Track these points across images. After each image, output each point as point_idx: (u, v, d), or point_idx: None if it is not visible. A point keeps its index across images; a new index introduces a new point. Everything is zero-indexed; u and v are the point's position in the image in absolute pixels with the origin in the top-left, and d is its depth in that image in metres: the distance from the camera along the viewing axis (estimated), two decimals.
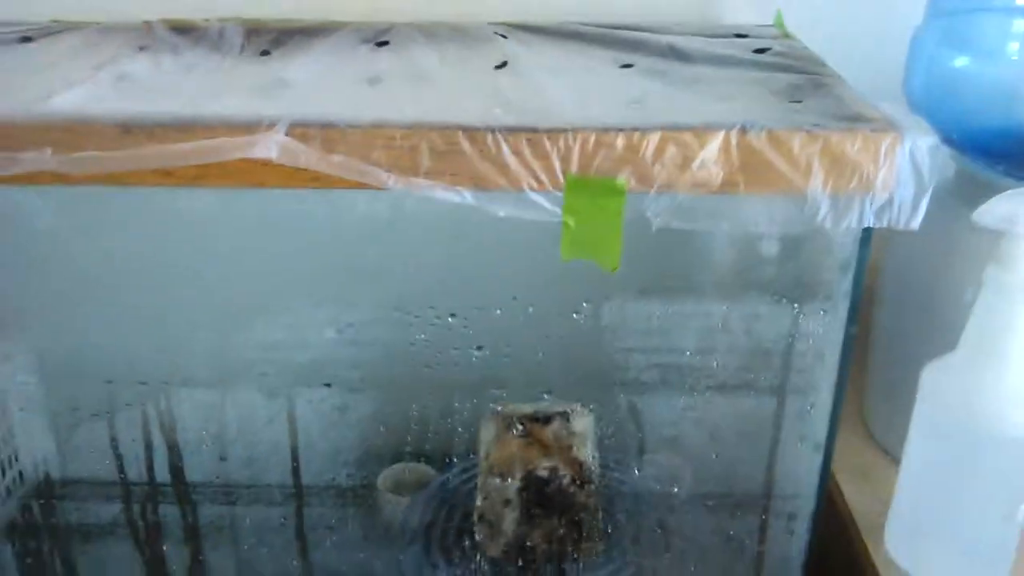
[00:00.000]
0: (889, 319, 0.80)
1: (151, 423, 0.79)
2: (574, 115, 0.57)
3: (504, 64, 0.70)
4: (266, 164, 0.56)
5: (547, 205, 0.56)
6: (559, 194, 0.56)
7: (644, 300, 0.72)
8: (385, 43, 0.76)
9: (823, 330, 0.64)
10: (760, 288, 0.70)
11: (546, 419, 0.82)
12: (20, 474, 0.87)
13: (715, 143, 0.54)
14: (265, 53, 0.72)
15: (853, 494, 0.76)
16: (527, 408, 0.83)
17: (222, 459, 0.81)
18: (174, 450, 0.80)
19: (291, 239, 0.71)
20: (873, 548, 0.71)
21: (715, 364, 0.73)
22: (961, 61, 0.70)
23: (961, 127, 0.72)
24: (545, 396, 0.77)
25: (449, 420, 0.78)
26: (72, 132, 0.57)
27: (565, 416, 0.83)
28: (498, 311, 0.73)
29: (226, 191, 0.59)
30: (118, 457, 0.81)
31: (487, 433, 0.81)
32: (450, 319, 0.74)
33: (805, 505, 0.67)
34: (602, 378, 0.77)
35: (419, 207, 0.60)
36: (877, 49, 0.74)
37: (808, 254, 0.65)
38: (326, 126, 0.56)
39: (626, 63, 0.70)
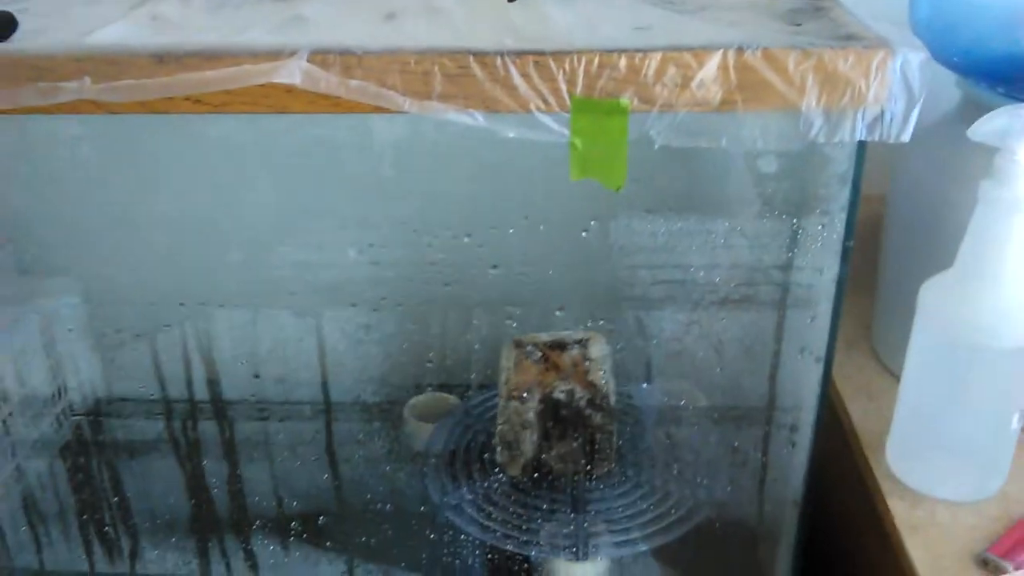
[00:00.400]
0: (896, 246, 0.82)
1: (190, 343, 0.83)
2: (581, 41, 0.60)
3: None
4: (289, 90, 0.59)
5: (554, 126, 0.59)
6: (566, 115, 0.59)
7: (650, 218, 0.75)
8: None
9: (822, 244, 0.67)
10: (761, 204, 0.73)
11: (564, 346, 0.86)
12: (70, 405, 0.92)
13: (713, 62, 0.57)
14: None
15: (858, 412, 0.79)
16: (546, 336, 0.86)
17: (256, 377, 0.86)
18: (211, 369, 0.85)
19: (316, 165, 0.75)
20: (874, 462, 0.74)
21: (718, 279, 0.76)
22: None
23: (965, 53, 0.74)
24: (558, 312, 0.81)
25: (468, 337, 0.82)
26: (110, 63, 0.60)
27: (582, 343, 0.86)
28: (511, 231, 0.76)
29: (256, 121, 0.63)
30: (160, 377, 0.86)
31: (507, 360, 0.85)
32: (466, 239, 0.77)
33: (807, 416, 0.70)
34: (611, 294, 0.80)
35: (434, 132, 0.64)
36: None
37: (806, 170, 0.67)
38: (344, 52, 0.59)
39: None
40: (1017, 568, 0.63)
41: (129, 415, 0.89)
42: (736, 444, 0.79)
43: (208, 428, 0.88)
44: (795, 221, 0.70)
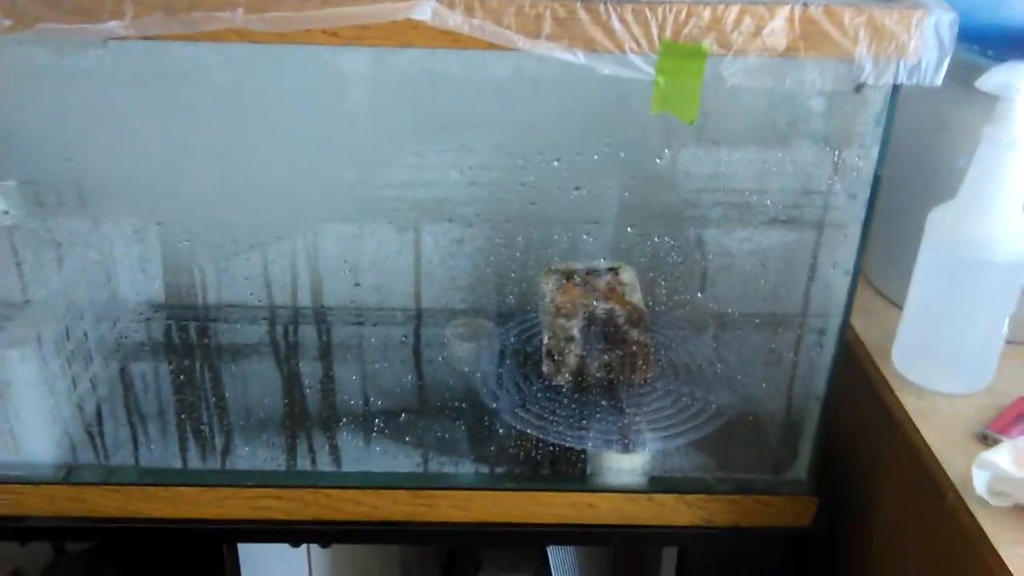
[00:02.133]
0: (890, 188, 0.94)
1: (299, 254, 0.92)
2: None
3: None
4: (416, 27, 0.68)
5: (642, 65, 0.69)
6: (653, 56, 0.69)
7: (714, 148, 0.86)
8: None
9: (857, 172, 0.78)
10: (808, 137, 0.84)
11: (598, 272, 0.96)
12: (179, 310, 0.98)
13: (783, 14, 0.68)
14: None
15: (860, 327, 0.91)
16: (580, 264, 0.97)
17: (356, 285, 0.95)
18: (316, 278, 0.94)
19: (425, 96, 0.84)
20: (882, 365, 0.87)
21: (768, 202, 0.88)
22: None
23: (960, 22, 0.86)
24: (628, 229, 0.91)
25: (548, 252, 0.92)
26: None
27: (614, 270, 0.98)
28: (595, 156, 0.86)
29: (374, 52, 0.71)
30: (267, 284, 0.94)
31: (547, 285, 0.96)
32: (555, 163, 0.87)
33: (834, 322, 0.82)
34: (676, 214, 0.91)
35: (535, 68, 0.73)
36: None
37: (848, 109, 0.78)
38: None
39: None
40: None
41: (236, 320, 0.97)
42: (771, 347, 0.91)
43: (307, 332, 0.97)
44: (837, 152, 0.81)
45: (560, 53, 0.69)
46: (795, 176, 0.86)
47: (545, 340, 0.95)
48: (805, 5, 0.68)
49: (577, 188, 0.90)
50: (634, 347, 0.93)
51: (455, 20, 0.69)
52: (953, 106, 0.85)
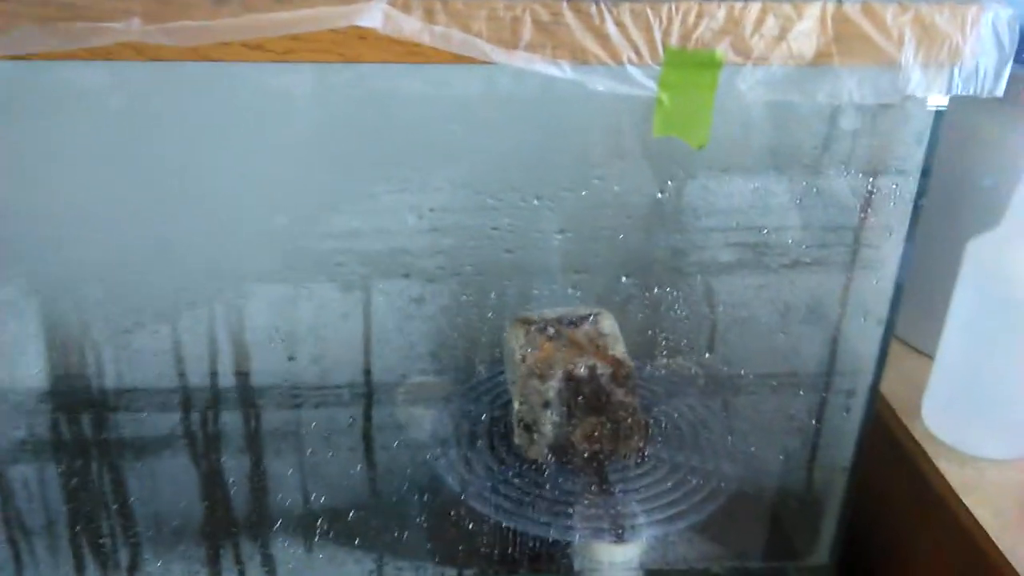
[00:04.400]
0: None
1: (218, 323, 0.75)
2: None
3: None
4: (363, 37, 0.55)
5: (643, 79, 0.56)
6: (655, 68, 0.56)
7: (726, 178, 0.73)
8: None
9: (894, 204, 0.66)
10: (836, 162, 0.72)
11: (574, 322, 0.83)
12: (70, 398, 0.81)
13: (813, 13, 0.55)
14: None
15: (884, 382, 0.78)
16: (551, 313, 0.83)
17: (291, 359, 0.78)
18: (241, 352, 0.76)
19: (374, 120, 0.68)
20: (910, 425, 0.75)
21: (789, 241, 0.74)
22: None
23: None
24: (623, 279, 0.77)
25: (529, 307, 0.77)
26: (160, 2, 0.53)
27: (591, 318, 0.83)
28: (583, 192, 0.72)
29: (311, 70, 0.56)
30: (179, 362, 0.76)
31: (515, 339, 0.82)
32: (535, 201, 0.73)
33: (864, 380, 0.70)
34: (680, 259, 0.77)
35: (511, 85, 0.59)
36: None
37: (883, 128, 0.66)
38: None
39: None
40: None
41: (141, 408, 0.79)
42: (788, 412, 0.78)
43: (231, 419, 0.80)
44: (870, 180, 0.69)
45: (542, 66, 0.56)
46: (821, 209, 0.73)
47: (516, 407, 0.80)
48: (839, 2, 0.55)
49: (562, 231, 0.76)
50: (621, 411, 0.79)
51: (412, 27, 0.55)
52: (994, 123, 0.74)
